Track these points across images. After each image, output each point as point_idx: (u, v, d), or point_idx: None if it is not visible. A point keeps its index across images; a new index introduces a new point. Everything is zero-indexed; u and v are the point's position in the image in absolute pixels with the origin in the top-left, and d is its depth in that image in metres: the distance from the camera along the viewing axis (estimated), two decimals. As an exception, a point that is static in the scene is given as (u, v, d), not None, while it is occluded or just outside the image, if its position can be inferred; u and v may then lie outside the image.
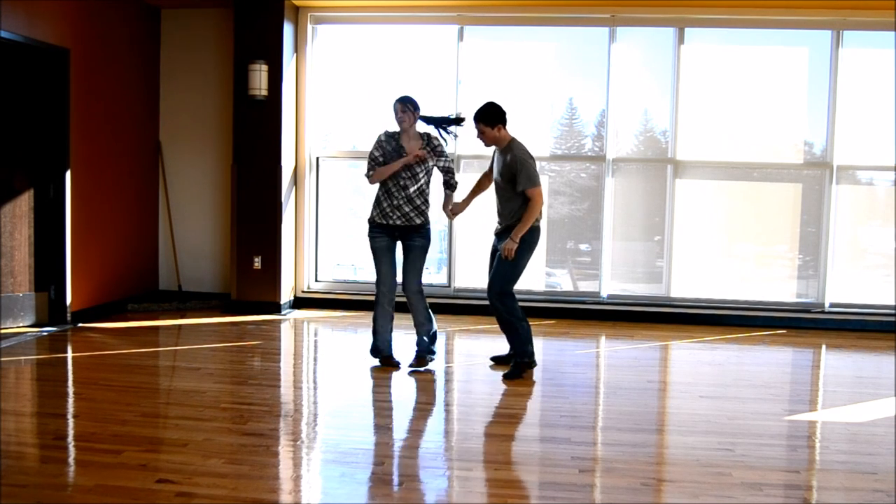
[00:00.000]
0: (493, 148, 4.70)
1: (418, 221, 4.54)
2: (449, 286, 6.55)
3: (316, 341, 5.71)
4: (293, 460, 3.21)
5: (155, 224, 6.68)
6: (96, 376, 4.31)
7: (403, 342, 5.05)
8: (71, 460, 3.11)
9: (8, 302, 5.21)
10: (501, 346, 5.44)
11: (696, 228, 6.41)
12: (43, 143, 5.30)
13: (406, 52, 6.65)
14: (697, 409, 3.96)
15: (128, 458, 3.05)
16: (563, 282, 6.65)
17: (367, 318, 6.17)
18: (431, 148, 4.56)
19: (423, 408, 4.07)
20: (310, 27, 6.42)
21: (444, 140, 4.64)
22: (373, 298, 6.44)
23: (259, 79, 6.03)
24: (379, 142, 4.55)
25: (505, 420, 3.77)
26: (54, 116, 5.30)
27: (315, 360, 5.23)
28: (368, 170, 4.56)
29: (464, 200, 4.80)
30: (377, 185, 4.59)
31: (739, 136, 6.41)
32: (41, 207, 5.33)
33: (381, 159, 4.51)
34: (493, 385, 4.42)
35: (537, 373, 4.87)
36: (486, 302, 6.32)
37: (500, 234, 4.63)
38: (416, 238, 4.57)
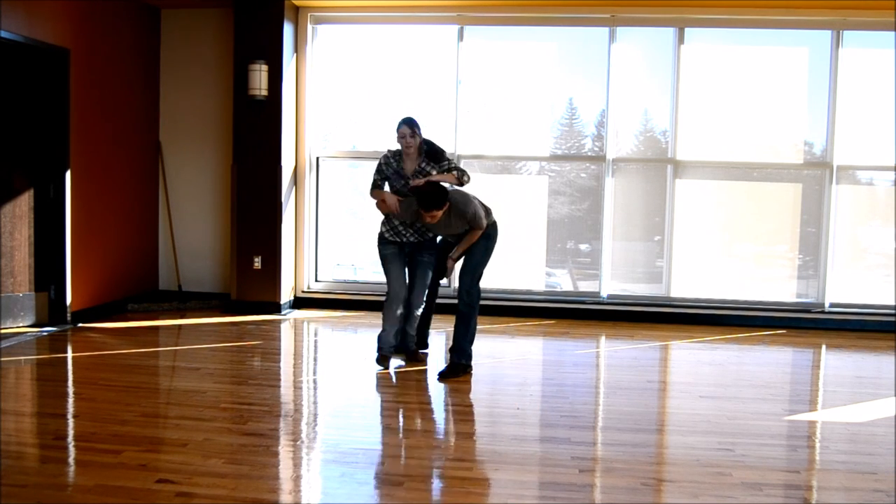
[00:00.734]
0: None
1: (430, 235, 4.53)
2: (449, 286, 6.54)
3: (316, 341, 5.71)
4: (293, 460, 3.21)
5: (155, 224, 6.68)
6: (96, 376, 4.31)
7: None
8: (71, 460, 3.11)
9: (8, 302, 5.21)
10: (502, 345, 5.44)
11: (696, 228, 6.41)
12: (43, 143, 5.30)
13: (406, 52, 6.65)
14: (697, 409, 3.96)
15: (128, 458, 3.05)
16: (563, 282, 6.65)
17: (367, 317, 6.19)
18: (430, 158, 4.50)
19: (423, 408, 4.07)
20: (310, 27, 6.42)
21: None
22: (373, 298, 6.50)
23: (259, 79, 6.03)
24: (385, 159, 4.53)
25: (505, 420, 3.77)
26: (54, 116, 5.30)
27: (315, 360, 5.23)
28: (371, 186, 4.58)
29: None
30: None
31: (739, 136, 6.41)
32: (41, 207, 5.33)
33: (380, 183, 4.52)
34: (493, 385, 4.42)
35: (538, 372, 4.87)
36: (487, 302, 6.35)
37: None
38: (426, 254, 4.57)
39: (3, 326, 5.18)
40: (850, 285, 6.29)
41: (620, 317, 6.28)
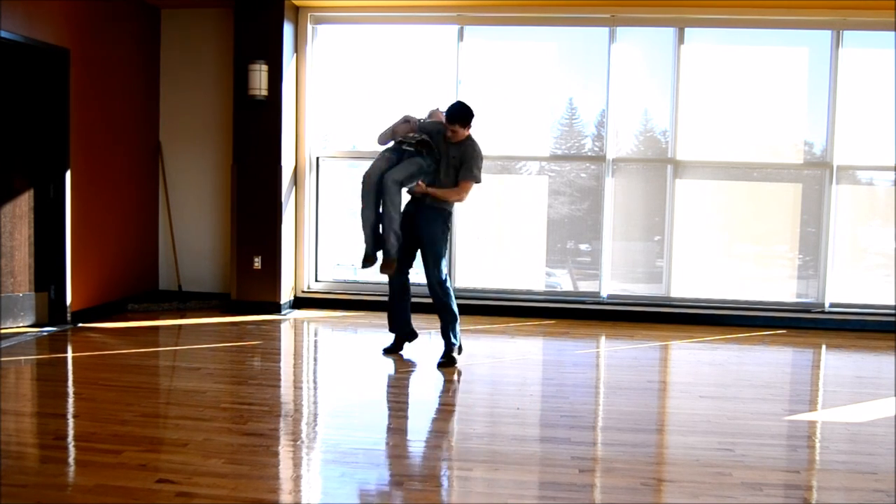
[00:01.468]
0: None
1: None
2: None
3: (316, 341, 5.71)
4: (293, 460, 3.21)
5: (155, 224, 6.68)
6: (96, 376, 4.31)
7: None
8: (71, 460, 3.11)
9: (8, 302, 5.21)
10: (502, 345, 5.44)
11: (696, 228, 6.41)
12: (43, 143, 5.30)
13: (406, 52, 6.65)
14: (697, 409, 3.96)
15: (128, 458, 3.05)
16: (563, 282, 6.65)
17: (367, 317, 6.19)
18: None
19: (423, 407, 4.07)
20: (310, 27, 6.42)
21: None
22: (373, 299, 6.50)
23: (259, 79, 6.03)
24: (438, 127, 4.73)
25: (505, 420, 3.77)
26: (54, 116, 5.29)
27: (315, 360, 5.23)
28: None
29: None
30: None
31: (739, 136, 6.41)
32: (41, 207, 5.32)
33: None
34: (493, 385, 4.42)
35: (538, 373, 4.87)
36: (487, 302, 6.36)
37: (419, 209, 4.73)
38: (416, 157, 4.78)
39: (3, 326, 5.18)
40: (850, 285, 6.29)
41: (620, 317, 6.28)
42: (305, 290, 6.58)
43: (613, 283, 6.45)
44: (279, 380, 4.48)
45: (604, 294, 6.42)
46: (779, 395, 4.33)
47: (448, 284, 4.73)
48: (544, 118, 6.55)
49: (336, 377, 4.61)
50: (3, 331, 5.14)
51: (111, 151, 5.97)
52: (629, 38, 6.30)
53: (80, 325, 5.53)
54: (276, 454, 3.23)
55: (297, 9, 6.35)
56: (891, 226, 6.21)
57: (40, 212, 5.32)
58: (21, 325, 5.30)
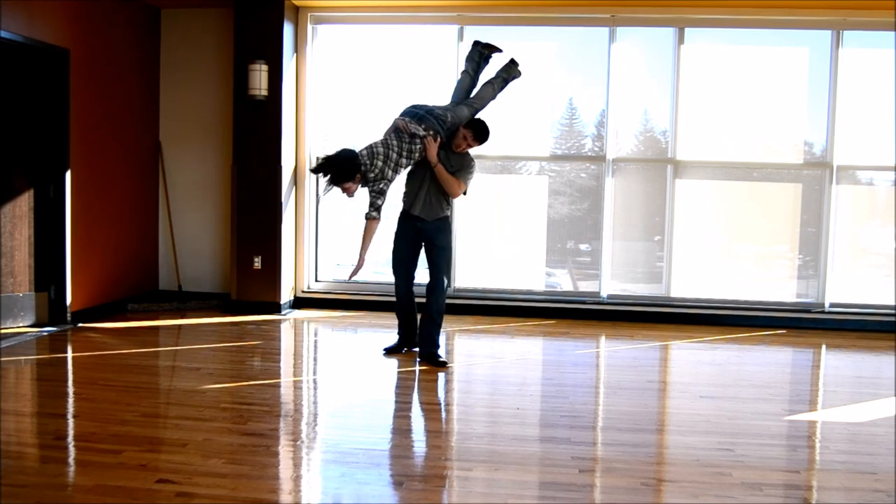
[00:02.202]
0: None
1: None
2: (449, 286, 6.54)
3: (316, 341, 5.71)
4: (293, 460, 3.21)
5: (155, 224, 6.68)
6: (96, 376, 4.31)
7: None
8: (71, 460, 3.11)
9: (8, 302, 5.21)
10: (502, 345, 5.44)
11: (696, 228, 6.41)
12: (43, 143, 5.30)
13: (406, 52, 6.65)
14: (697, 409, 3.96)
15: (128, 458, 3.05)
16: (563, 282, 6.65)
17: (366, 317, 6.20)
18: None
19: (423, 408, 4.07)
20: (310, 27, 6.42)
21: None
22: (373, 299, 6.50)
23: (259, 79, 6.03)
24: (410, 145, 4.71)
25: (505, 420, 3.77)
26: (54, 116, 5.29)
27: (315, 360, 5.23)
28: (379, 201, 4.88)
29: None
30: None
31: (739, 136, 6.41)
32: (41, 207, 5.33)
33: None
34: (493, 385, 4.42)
35: (537, 373, 4.87)
36: (487, 302, 6.36)
37: (427, 223, 4.79)
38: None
39: (3, 326, 5.18)
40: (850, 285, 6.29)
41: (620, 317, 6.28)
42: (305, 290, 6.58)
43: (613, 283, 6.45)
44: (279, 380, 4.48)
45: (604, 294, 6.42)
46: (779, 395, 4.33)
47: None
48: (544, 118, 6.55)
49: (336, 377, 4.61)
50: (3, 331, 5.14)
51: (111, 151, 5.97)
52: (629, 38, 6.30)
53: (80, 325, 5.53)
54: (276, 454, 3.23)
55: (297, 9, 6.35)
56: (891, 226, 6.21)
57: (40, 212, 5.32)
58: (21, 325, 5.30)
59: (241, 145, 6.20)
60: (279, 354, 5.20)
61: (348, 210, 7.03)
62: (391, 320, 6.07)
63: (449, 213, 4.90)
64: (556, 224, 6.56)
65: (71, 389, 4.17)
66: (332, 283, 6.72)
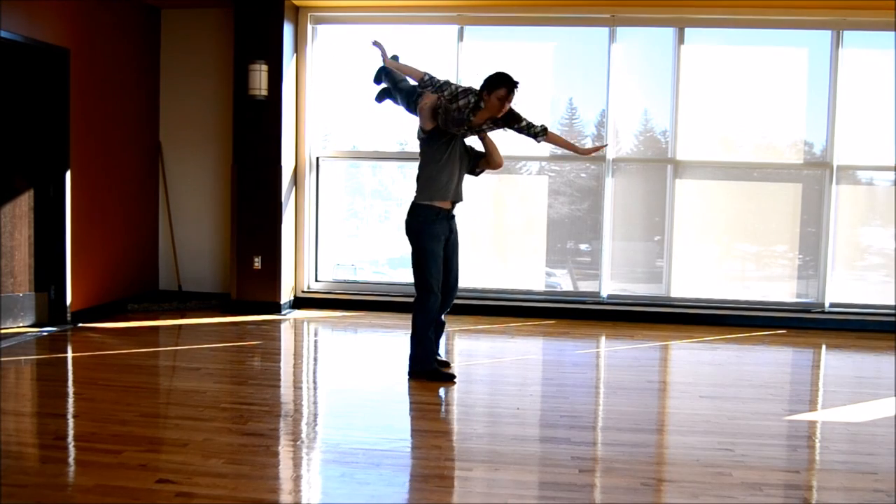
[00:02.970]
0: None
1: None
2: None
3: (316, 341, 5.71)
4: (293, 460, 3.21)
5: (155, 224, 6.68)
6: (96, 376, 4.31)
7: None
8: (71, 460, 3.11)
9: (8, 302, 5.21)
10: (502, 345, 5.44)
11: (696, 228, 6.41)
12: (43, 143, 5.30)
13: (406, 52, 6.62)
14: (697, 409, 3.96)
15: (128, 458, 3.05)
16: (563, 282, 6.65)
17: (366, 317, 6.20)
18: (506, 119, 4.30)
19: (423, 408, 4.06)
20: (310, 27, 6.42)
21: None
22: (373, 299, 6.51)
23: (259, 79, 6.03)
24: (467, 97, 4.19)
25: (505, 420, 3.77)
26: (54, 116, 5.29)
27: (315, 360, 5.23)
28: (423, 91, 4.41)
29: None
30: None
31: (739, 136, 6.41)
32: (41, 207, 5.33)
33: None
34: (493, 385, 4.42)
35: (538, 373, 4.87)
36: (487, 302, 6.36)
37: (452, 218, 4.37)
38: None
39: (3, 326, 5.18)
40: (850, 285, 6.29)
41: (620, 317, 6.28)
42: (305, 290, 6.58)
43: (613, 283, 6.44)
44: (279, 380, 4.48)
45: (604, 294, 6.42)
46: (779, 395, 4.33)
47: None
48: (544, 118, 6.53)
49: (336, 377, 4.61)
50: (3, 331, 5.14)
51: (111, 151, 5.97)
52: (629, 38, 6.30)
53: (80, 325, 5.53)
54: (276, 454, 3.23)
55: (297, 9, 6.35)
56: (891, 226, 6.21)
57: (40, 212, 5.32)
58: (21, 325, 5.30)
59: (241, 145, 6.20)
60: (279, 354, 5.20)
61: (348, 210, 7.05)
62: (391, 320, 6.10)
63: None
64: (556, 224, 6.56)
65: (71, 389, 4.17)
66: (332, 283, 6.72)
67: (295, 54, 6.37)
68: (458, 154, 4.32)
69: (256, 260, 6.25)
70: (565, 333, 5.80)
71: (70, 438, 3.35)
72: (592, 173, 6.49)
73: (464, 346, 5.53)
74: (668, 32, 6.26)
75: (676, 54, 6.23)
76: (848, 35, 6.10)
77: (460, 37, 6.37)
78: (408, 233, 4.30)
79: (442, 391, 4.26)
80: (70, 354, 4.84)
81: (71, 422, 3.59)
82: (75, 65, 5.38)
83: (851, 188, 6.31)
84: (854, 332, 5.99)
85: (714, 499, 2.79)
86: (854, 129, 6.20)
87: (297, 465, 3.18)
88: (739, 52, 6.35)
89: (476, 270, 6.53)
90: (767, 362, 5.20)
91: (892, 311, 6.11)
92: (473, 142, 4.59)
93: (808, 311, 6.23)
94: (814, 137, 6.31)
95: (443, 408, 4.09)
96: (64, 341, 5.10)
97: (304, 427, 3.62)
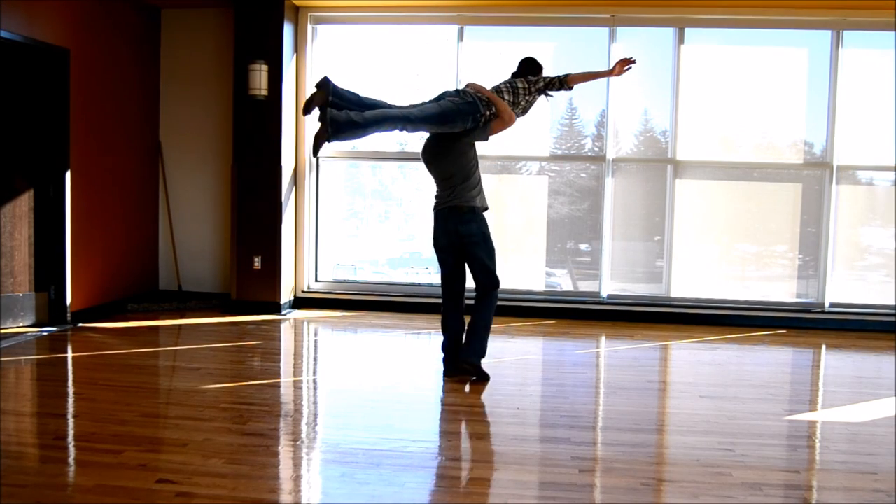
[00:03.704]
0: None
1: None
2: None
3: (316, 341, 5.71)
4: (293, 460, 3.21)
5: (155, 224, 6.68)
6: (96, 376, 4.31)
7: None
8: (71, 460, 3.11)
9: (8, 302, 5.21)
10: (502, 345, 5.43)
11: (696, 228, 6.42)
12: (43, 143, 5.30)
13: (406, 52, 6.65)
14: (697, 409, 3.96)
15: (128, 458, 3.05)
16: (563, 282, 6.65)
17: (366, 317, 6.20)
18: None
19: (423, 407, 4.07)
20: (310, 27, 6.42)
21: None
22: (373, 299, 6.51)
23: (259, 79, 6.03)
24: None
25: (505, 420, 3.77)
26: (54, 116, 5.30)
27: (315, 360, 5.23)
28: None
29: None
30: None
31: (739, 135, 6.42)
32: (41, 207, 5.33)
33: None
34: (492, 385, 4.42)
35: (538, 373, 4.88)
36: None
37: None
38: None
39: (3, 326, 5.18)
40: (850, 285, 6.29)
41: (620, 317, 6.28)
42: (305, 290, 6.58)
43: (613, 283, 6.45)
44: (279, 380, 4.48)
45: (604, 294, 6.42)
46: (779, 395, 4.33)
47: None
48: (544, 118, 6.55)
49: (336, 377, 4.61)
50: (3, 331, 5.14)
51: (111, 151, 5.98)
52: (629, 38, 6.30)
53: (80, 325, 5.53)
54: (276, 454, 3.23)
55: (297, 9, 6.35)
56: (891, 226, 6.21)
57: (40, 212, 5.32)
58: (21, 325, 5.30)
59: (241, 145, 6.20)
60: (279, 354, 5.20)
61: (348, 210, 7.05)
62: (391, 320, 6.11)
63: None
64: (556, 224, 6.56)
65: (71, 389, 4.17)
66: (332, 283, 6.72)
67: (295, 54, 6.37)
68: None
69: (256, 260, 6.25)
70: (565, 333, 5.80)
71: (70, 438, 3.35)
72: (592, 173, 6.49)
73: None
74: (668, 32, 6.26)
75: (676, 54, 6.23)
76: (848, 35, 6.10)
77: (460, 37, 6.37)
78: (482, 238, 4.39)
79: (442, 391, 4.26)
80: (70, 354, 4.84)
81: (71, 422, 3.59)
82: (75, 65, 5.38)
83: (851, 188, 6.31)
84: (854, 332, 5.99)
85: (714, 499, 2.79)
86: (854, 129, 6.20)
87: (297, 465, 3.18)
88: (739, 52, 6.35)
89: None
90: (767, 362, 5.20)
91: (892, 311, 6.11)
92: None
93: (808, 311, 6.23)
94: (814, 137, 6.31)
95: (443, 408, 4.09)
96: (64, 341, 5.10)
97: (304, 427, 3.62)
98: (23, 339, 5.04)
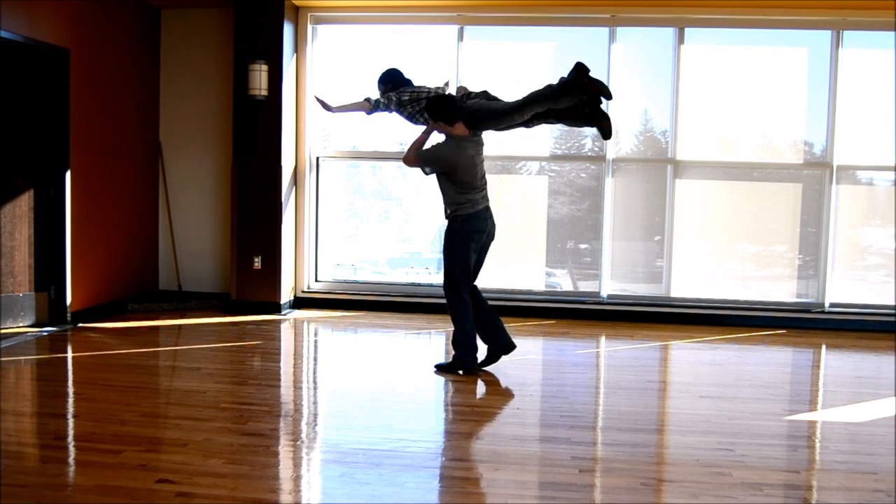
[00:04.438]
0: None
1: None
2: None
3: (316, 341, 5.71)
4: (293, 460, 3.21)
5: (155, 224, 6.68)
6: (96, 376, 4.31)
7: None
8: (71, 460, 3.11)
9: (8, 302, 5.21)
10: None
11: (696, 228, 6.42)
12: (43, 143, 5.29)
13: (406, 52, 6.64)
14: (697, 409, 3.96)
15: (128, 458, 3.05)
16: (563, 282, 6.65)
17: (366, 317, 6.20)
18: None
19: (423, 408, 4.07)
20: (310, 27, 6.42)
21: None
22: (373, 299, 6.51)
23: (259, 79, 6.03)
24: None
25: (505, 420, 3.77)
26: (54, 116, 5.29)
27: (315, 360, 5.23)
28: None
29: None
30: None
31: (739, 136, 6.42)
32: (41, 207, 5.33)
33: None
34: (492, 385, 4.42)
35: (537, 373, 4.87)
36: (488, 302, 6.34)
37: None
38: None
39: (3, 326, 5.18)
40: (850, 285, 6.29)
41: (620, 317, 6.28)
42: (305, 290, 6.58)
43: (613, 283, 6.44)
44: (279, 380, 4.48)
45: (604, 294, 6.42)
46: (779, 395, 4.33)
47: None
48: (544, 118, 6.54)
49: (336, 377, 4.61)
50: (3, 331, 5.14)
51: (111, 151, 5.97)
52: (629, 38, 6.30)
53: (80, 325, 5.53)
54: (276, 454, 3.23)
55: (297, 9, 6.35)
56: (891, 226, 6.21)
57: (40, 212, 5.32)
58: (21, 325, 5.30)
59: (241, 145, 6.20)
60: (279, 354, 5.20)
61: (348, 210, 7.05)
62: (391, 320, 6.11)
63: (453, 212, 4.53)
64: (556, 224, 6.56)
65: (71, 389, 4.17)
66: (332, 283, 6.72)
67: (295, 54, 6.37)
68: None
69: (256, 260, 6.25)
70: (565, 333, 5.80)
71: (70, 438, 3.35)
72: (592, 173, 6.49)
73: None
74: (668, 32, 6.26)
75: (676, 54, 6.23)
76: (848, 35, 6.10)
77: (460, 37, 6.37)
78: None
79: (442, 391, 4.26)
80: (70, 354, 4.85)
81: (71, 422, 3.59)
82: (75, 65, 5.38)
83: (851, 188, 6.31)
84: (854, 332, 5.99)
85: (714, 499, 2.79)
86: (854, 129, 6.20)
87: (297, 465, 3.18)
88: (739, 52, 6.35)
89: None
90: (767, 362, 5.20)
91: (892, 311, 6.11)
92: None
93: (808, 311, 6.23)
94: (814, 137, 6.31)
95: (443, 408, 4.09)
96: (64, 341, 5.10)
97: (304, 427, 3.62)
98: (23, 339, 5.04)
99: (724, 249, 6.51)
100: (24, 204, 5.26)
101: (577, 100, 4.25)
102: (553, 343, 5.60)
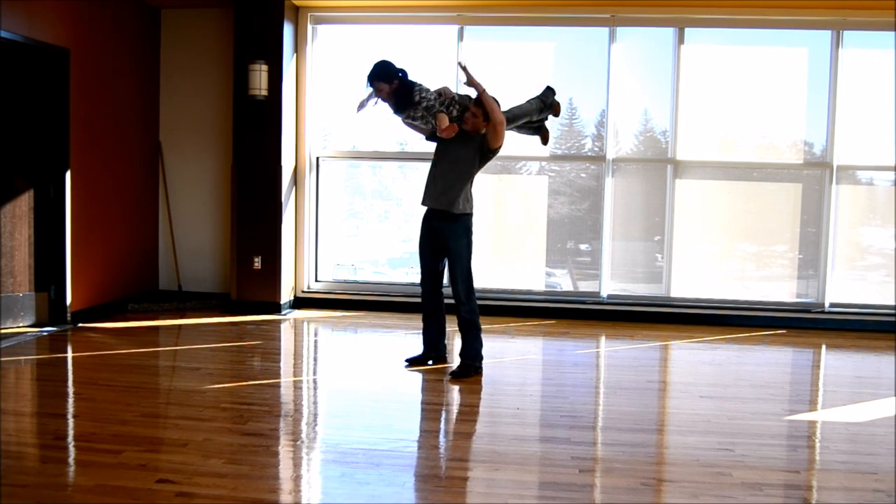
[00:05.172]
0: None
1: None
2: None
3: (316, 341, 5.71)
4: (293, 460, 3.21)
5: (155, 224, 6.68)
6: (96, 376, 4.31)
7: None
8: (71, 460, 3.11)
9: (8, 302, 5.21)
10: (502, 345, 5.43)
11: (696, 228, 6.42)
12: (43, 143, 5.29)
13: (406, 52, 6.64)
14: (697, 409, 3.96)
15: (128, 458, 3.05)
16: (563, 282, 6.65)
17: (366, 317, 6.20)
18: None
19: (423, 408, 4.07)
20: (310, 27, 6.42)
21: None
22: (373, 298, 6.51)
23: (259, 79, 6.03)
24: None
25: (505, 420, 3.77)
26: (54, 116, 5.29)
27: (315, 360, 5.23)
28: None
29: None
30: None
31: (739, 135, 6.42)
32: (41, 208, 5.33)
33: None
34: (492, 385, 4.42)
35: (538, 373, 4.87)
36: (487, 302, 6.35)
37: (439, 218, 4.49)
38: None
39: (3, 326, 5.18)
40: (850, 285, 6.29)
41: (620, 317, 6.28)
42: (305, 290, 6.58)
43: (613, 283, 6.45)
44: (279, 380, 4.48)
45: (604, 294, 6.42)
46: (779, 395, 4.33)
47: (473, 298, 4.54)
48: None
49: (336, 377, 4.61)
50: (3, 331, 5.14)
51: (111, 151, 5.97)
52: (629, 38, 6.30)
53: (80, 325, 5.53)
54: (276, 454, 3.23)
55: (297, 9, 6.35)
56: (891, 226, 6.21)
57: (40, 212, 5.32)
58: (21, 325, 5.30)
59: (241, 145, 6.20)
60: (279, 354, 5.20)
61: (348, 210, 7.05)
62: (391, 320, 6.11)
63: (465, 210, 4.44)
64: (556, 224, 6.56)
65: (71, 389, 4.17)
66: (332, 283, 6.72)
67: (295, 54, 6.37)
68: (446, 158, 4.53)
69: (256, 260, 6.25)
70: (565, 333, 5.81)
71: (70, 438, 3.35)
72: (592, 173, 6.49)
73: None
74: (668, 32, 6.26)
75: (676, 54, 6.23)
76: (848, 35, 6.10)
77: (460, 37, 6.37)
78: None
79: (442, 391, 4.26)
80: (70, 354, 4.85)
81: (71, 422, 3.59)
82: (75, 65, 5.38)
83: (851, 188, 6.31)
84: (854, 332, 5.99)
85: (714, 499, 2.79)
86: (854, 129, 6.20)
87: (297, 465, 3.18)
88: (739, 52, 6.35)
89: (476, 270, 6.51)
90: (767, 362, 5.20)
91: (892, 311, 6.11)
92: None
93: (808, 311, 6.23)
94: (814, 137, 6.31)
95: (443, 408, 4.09)
96: (64, 341, 5.10)
97: (304, 427, 3.62)
98: (23, 339, 5.04)
99: (724, 249, 6.51)
100: (24, 204, 5.26)
101: (543, 116, 4.74)
102: (553, 343, 5.60)
